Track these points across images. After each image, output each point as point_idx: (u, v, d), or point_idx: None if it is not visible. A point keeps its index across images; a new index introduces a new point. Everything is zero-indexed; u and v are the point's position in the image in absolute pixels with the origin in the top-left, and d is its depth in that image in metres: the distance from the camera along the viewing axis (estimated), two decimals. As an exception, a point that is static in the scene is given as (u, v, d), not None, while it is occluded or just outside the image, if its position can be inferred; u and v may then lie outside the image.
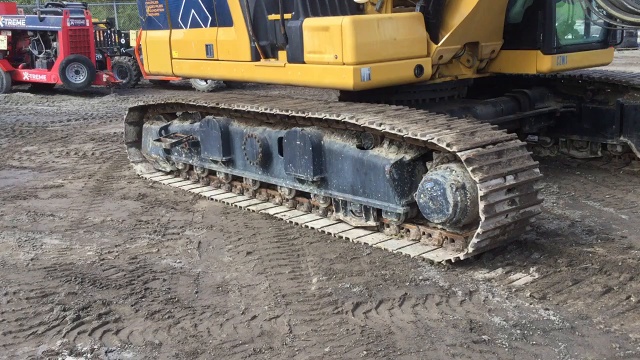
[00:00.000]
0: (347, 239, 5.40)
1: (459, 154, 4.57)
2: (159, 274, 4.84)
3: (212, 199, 6.79)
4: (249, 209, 6.35)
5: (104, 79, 16.71)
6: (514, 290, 4.35)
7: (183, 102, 7.29)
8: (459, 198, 4.63)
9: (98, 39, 18.41)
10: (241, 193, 6.77)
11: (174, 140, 7.26)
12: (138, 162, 8.18)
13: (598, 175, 7.12)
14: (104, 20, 21.12)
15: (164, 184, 7.49)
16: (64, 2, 18.71)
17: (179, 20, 7.55)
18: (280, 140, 6.09)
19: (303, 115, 5.79)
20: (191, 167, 7.49)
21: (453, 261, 4.74)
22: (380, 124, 5.09)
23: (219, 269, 4.93)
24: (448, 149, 4.65)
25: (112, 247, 5.45)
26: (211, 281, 4.69)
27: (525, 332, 3.79)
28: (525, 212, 4.79)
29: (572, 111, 7.39)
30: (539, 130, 7.58)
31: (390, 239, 5.30)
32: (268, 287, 4.53)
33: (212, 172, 7.17)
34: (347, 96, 6.62)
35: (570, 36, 7.04)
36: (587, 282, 4.44)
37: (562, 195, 6.46)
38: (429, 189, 4.77)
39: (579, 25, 6.92)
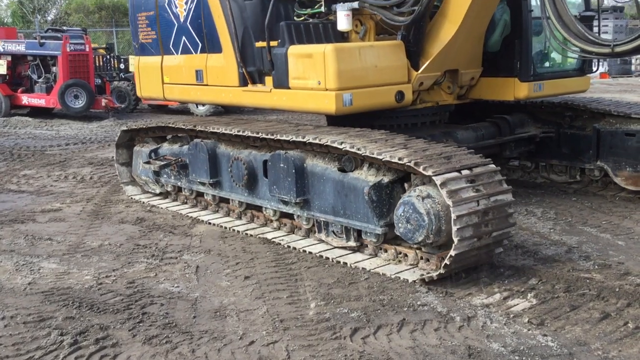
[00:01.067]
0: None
1: (435, 178, 4.68)
2: (157, 298, 4.83)
3: (209, 223, 6.80)
4: (246, 234, 6.36)
5: (103, 104, 16.77)
6: (512, 316, 4.35)
7: (162, 125, 7.56)
8: (433, 219, 4.76)
9: (97, 64, 18.53)
10: (227, 214, 6.88)
11: (162, 163, 7.42)
12: (128, 183, 8.37)
13: (594, 201, 7.16)
14: (104, 46, 21.29)
15: (153, 204, 7.50)
16: (64, 28, 18.88)
17: (171, 46, 7.83)
18: (265, 162, 6.24)
19: (272, 137, 6.05)
20: (180, 189, 7.65)
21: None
22: (342, 143, 5.36)
23: (217, 293, 4.92)
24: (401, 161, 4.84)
25: (110, 271, 5.44)
26: (209, 306, 4.68)
27: (524, 358, 3.78)
28: (498, 235, 4.91)
29: (551, 137, 7.59)
30: (520, 154, 7.76)
31: (369, 258, 5.43)
32: (266, 312, 4.52)
33: (200, 194, 7.33)
34: (334, 121, 6.80)
35: (547, 64, 7.26)
36: (584, 308, 4.44)
37: (559, 221, 6.48)
38: (405, 211, 4.91)
39: (556, 54, 7.13)
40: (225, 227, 6.60)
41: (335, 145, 5.40)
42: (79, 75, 16.48)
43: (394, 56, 6.27)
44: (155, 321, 4.42)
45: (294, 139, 5.82)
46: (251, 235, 6.30)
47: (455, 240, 4.60)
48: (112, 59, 19.53)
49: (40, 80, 16.98)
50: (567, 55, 6.53)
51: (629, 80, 23.87)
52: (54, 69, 16.77)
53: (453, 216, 4.56)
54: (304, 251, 5.75)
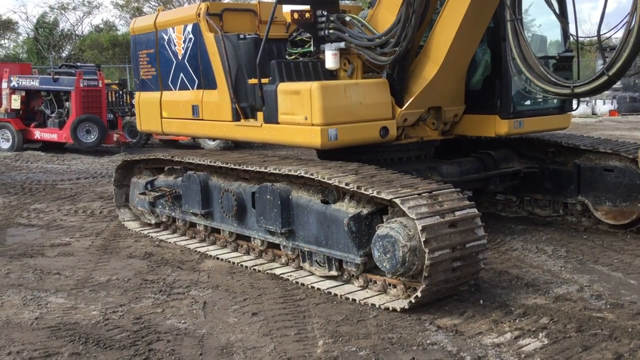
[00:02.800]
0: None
1: (405, 208, 4.90)
2: (164, 334, 4.79)
3: (217, 258, 6.78)
4: (254, 269, 6.34)
5: (115, 139, 16.92)
6: (523, 356, 4.28)
7: (145, 157, 8.10)
8: (407, 250, 4.93)
9: (110, 99, 18.74)
10: (224, 245, 6.98)
11: (157, 194, 7.67)
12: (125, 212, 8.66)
13: (605, 239, 7.10)
14: (117, 81, 21.56)
15: (161, 239, 7.50)
16: (78, 64, 19.15)
17: (169, 83, 8.22)
18: (253, 194, 6.43)
19: (238, 167, 6.51)
20: (174, 220, 7.84)
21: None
22: (296, 170, 5.83)
23: (224, 330, 4.88)
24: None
25: (117, 306, 5.42)
26: (216, 343, 4.64)
27: (535, 399, 3.71)
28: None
29: (535, 172, 7.76)
30: (505, 189, 7.94)
31: (344, 284, 5.66)
32: (273, 350, 4.48)
33: (193, 224, 7.54)
34: (323, 155, 7.06)
35: (528, 102, 7.46)
36: (597, 349, 4.37)
37: (569, 259, 6.42)
38: (381, 241, 5.09)
39: (536, 93, 7.25)
40: (234, 263, 6.58)
41: (291, 173, 5.89)
42: (92, 110, 16.66)
43: (378, 93, 6.56)
44: (161, 358, 4.38)
45: (257, 169, 6.28)
46: (259, 271, 6.27)
47: (426, 272, 4.82)
48: (124, 95, 19.76)
49: (53, 115, 17.19)
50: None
51: (638, 117, 23.89)
52: (67, 104, 16.98)
53: (427, 252, 4.77)
54: (299, 283, 5.71)
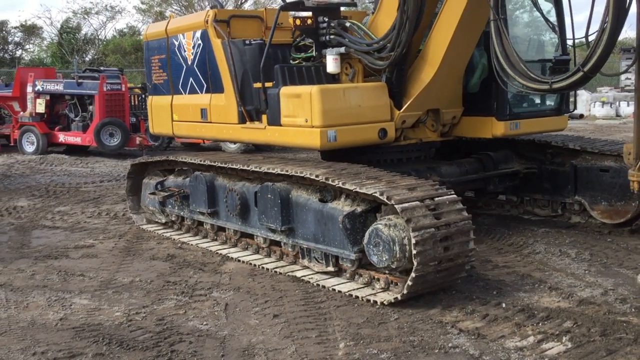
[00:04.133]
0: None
1: (396, 204, 5.08)
2: (186, 336, 4.83)
3: (239, 260, 6.82)
4: (275, 271, 6.36)
5: (137, 142, 17.08)
6: None
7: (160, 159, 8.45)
8: (397, 245, 5.14)
9: (133, 103, 18.93)
10: (257, 251, 7.05)
11: (166, 194, 7.98)
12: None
13: (630, 242, 7.01)
14: (139, 85, 21.77)
15: (183, 241, 7.55)
16: (101, 68, 19.36)
17: (180, 87, 8.50)
18: (255, 193, 6.68)
19: (224, 165, 7.00)
20: (183, 219, 8.10)
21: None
22: (274, 167, 6.30)
23: (246, 331, 4.90)
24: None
25: (140, 308, 5.47)
26: (237, 344, 4.66)
27: (559, 404, 3.67)
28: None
29: (534, 172, 7.92)
30: (505, 189, 8.10)
31: (347, 282, 5.82)
32: (294, 352, 4.48)
33: (200, 223, 7.81)
34: (326, 156, 7.34)
35: (525, 104, 7.59)
36: (621, 353, 4.31)
37: (593, 263, 6.35)
38: (373, 237, 5.33)
39: (533, 94, 7.40)
40: (255, 265, 6.61)
41: (271, 171, 6.35)
42: (115, 114, 16.86)
43: (376, 96, 6.77)
44: (183, 359, 4.41)
45: (241, 167, 6.74)
46: (280, 273, 6.29)
47: (415, 262, 4.98)
48: (147, 98, 19.92)
49: (77, 118, 17.41)
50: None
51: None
52: (90, 107, 17.19)
53: (413, 241, 4.94)
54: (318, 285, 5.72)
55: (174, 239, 7.85)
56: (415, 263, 5.01)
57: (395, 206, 5.07)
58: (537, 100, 7.60)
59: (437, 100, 7.06)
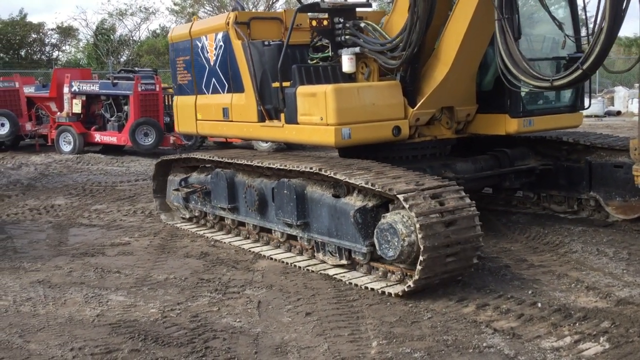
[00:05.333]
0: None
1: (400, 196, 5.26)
2: (219, 332, 4.87)
3: (271, 259, 6.85)
4: (308, 269, 6.38)
5: (171, 141, 17.27)
6: (583, 360, 4.18)
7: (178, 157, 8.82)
8: (405, 237, 5.30)
9: (167, 103, 19.14)
10: (289, 250, 7.10)
11: (189, 190, 8.23)
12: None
13: (671, 241, 6.85)
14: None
15: (216, 239, 7.61)
16: (136, 69, 19.62)
17: (203, 87, 8.72)
18: (273, 189, 6.91)
19: (230, 161, 7.48)
20: (205, 214, 8.36)
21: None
22: (274, 163, 6.66)
23: (278, 329, 4.92)
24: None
25: (175, 304, 5.53)
26: (270, 342, 4.69)
27: (597, 405, 3.61)
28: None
29: (549, 169, 7.99)
30: (522, 186, 8.15)
31: (362, 275, 5.98)
32: (327, 350, 4.49)
33: (222, 218, 8.08)
34: (343, 153, 7.55)
35: (540, 101, 7.62)
36: (662, 354, 4.22)
37: (632, 262, 6.22)
38: (383, 230, 5.50)
39: (548, 92, 7.39)
40: (287, 263, 6.64)
41: (269, 166, 6.75)
42: (149, 114, 17.08)
43: (390, 95, 6.90)
44: (217, 356, 4.45)
45: (246, 162, 7.20)
46: (313, 272, 6.31)
47: (422, 255, 5.13)
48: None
49: (112, 118, 17.67)
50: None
51: None
52: (125, 108, 17.43)
53: (420, 233, 5.10)
54: (357, 285, 5.70)
55: (207, 237, 7.92)
56: (422, 248, 5.13)
57: (398, 196, 5.25)
58: (551, 97, 7.62)
59: (451, 98, 7.14)
